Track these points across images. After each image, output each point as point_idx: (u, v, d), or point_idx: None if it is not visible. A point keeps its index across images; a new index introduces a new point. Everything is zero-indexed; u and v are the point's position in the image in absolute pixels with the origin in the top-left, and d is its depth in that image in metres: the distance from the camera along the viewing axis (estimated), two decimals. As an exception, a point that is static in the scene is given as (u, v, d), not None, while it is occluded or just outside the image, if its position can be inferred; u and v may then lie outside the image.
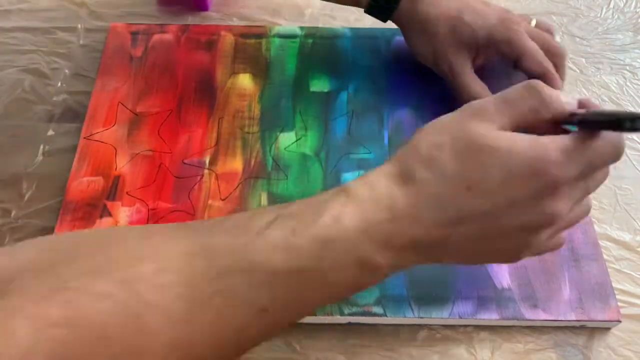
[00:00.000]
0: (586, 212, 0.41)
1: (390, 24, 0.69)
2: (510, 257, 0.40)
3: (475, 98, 0.53)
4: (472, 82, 0.58)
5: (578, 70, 0.68)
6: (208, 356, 0.35)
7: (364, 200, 0.37)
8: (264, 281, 0.35)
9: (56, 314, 0.30)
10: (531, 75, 0.57)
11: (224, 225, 0.37)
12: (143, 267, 0.33)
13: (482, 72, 0.60)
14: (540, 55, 0.56)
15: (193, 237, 0.36)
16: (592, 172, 0.38)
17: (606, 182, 0.51)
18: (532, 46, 0.57)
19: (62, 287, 0.31)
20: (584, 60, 0.69)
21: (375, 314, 0.50)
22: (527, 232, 0.38)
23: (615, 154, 0.38)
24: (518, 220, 0.37)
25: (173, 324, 0.33)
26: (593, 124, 0.37)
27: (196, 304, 0.33)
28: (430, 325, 0.51)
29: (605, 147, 0.37)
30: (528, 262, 0.52)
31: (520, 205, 0.37)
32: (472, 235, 0.37)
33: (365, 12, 0.62)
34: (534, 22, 0.62)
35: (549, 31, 0.61)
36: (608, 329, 0.51)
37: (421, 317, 0.50)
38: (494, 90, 0.59)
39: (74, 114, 0.62)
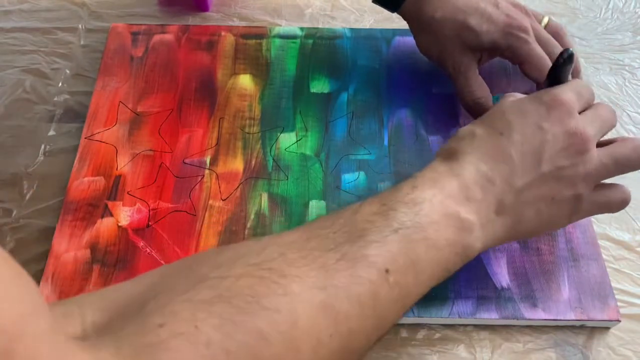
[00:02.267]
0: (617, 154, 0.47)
1: (391, 24, 0.70)
2: (569, 208, 0.46)
3: (477, 99, 0.54)
4: (475, 83, 0.58)
5: (577, 71, 0.68)
6: (354, 320, 0.37)
7: (428, 177, 0.43)
8: (374, 241, 0.39)
9: (209, 294, 0.34)
10: (533, 81, 0.57)
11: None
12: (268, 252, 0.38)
13: (481, 72, 0.60)
14: (543, 62, 0.56)
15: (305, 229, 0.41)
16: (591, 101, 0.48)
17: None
18: (536, 54, 0.56)
19: (205, 278, 0.35)
20: (583, 60, 0.69)
21: (375, 314, 0.50)
22: (568, 160, 0.45)
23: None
24: (554, 148, 0.44)
25: (313, 289, 0.36)
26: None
27: (328, 272, 0.37)
28: (430, 324, 0.51)
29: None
30: (528, 262, 0.52)
31: (549, 132, 0.45)
32: (532, 182, 0.44)
33: (372, 1, 0.62)
34: (545, 20, 0.61)
35: (560, 32, 0.61)
36: (607, 328, 0.51)
37: (420, 317, 0.50)
38: (493, 89, 0.59)
39: (75, 114, 0.62)
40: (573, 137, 0.45)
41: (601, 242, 0.55)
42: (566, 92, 0.46)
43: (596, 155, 0.46)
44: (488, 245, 0.44)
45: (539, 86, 0.56)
